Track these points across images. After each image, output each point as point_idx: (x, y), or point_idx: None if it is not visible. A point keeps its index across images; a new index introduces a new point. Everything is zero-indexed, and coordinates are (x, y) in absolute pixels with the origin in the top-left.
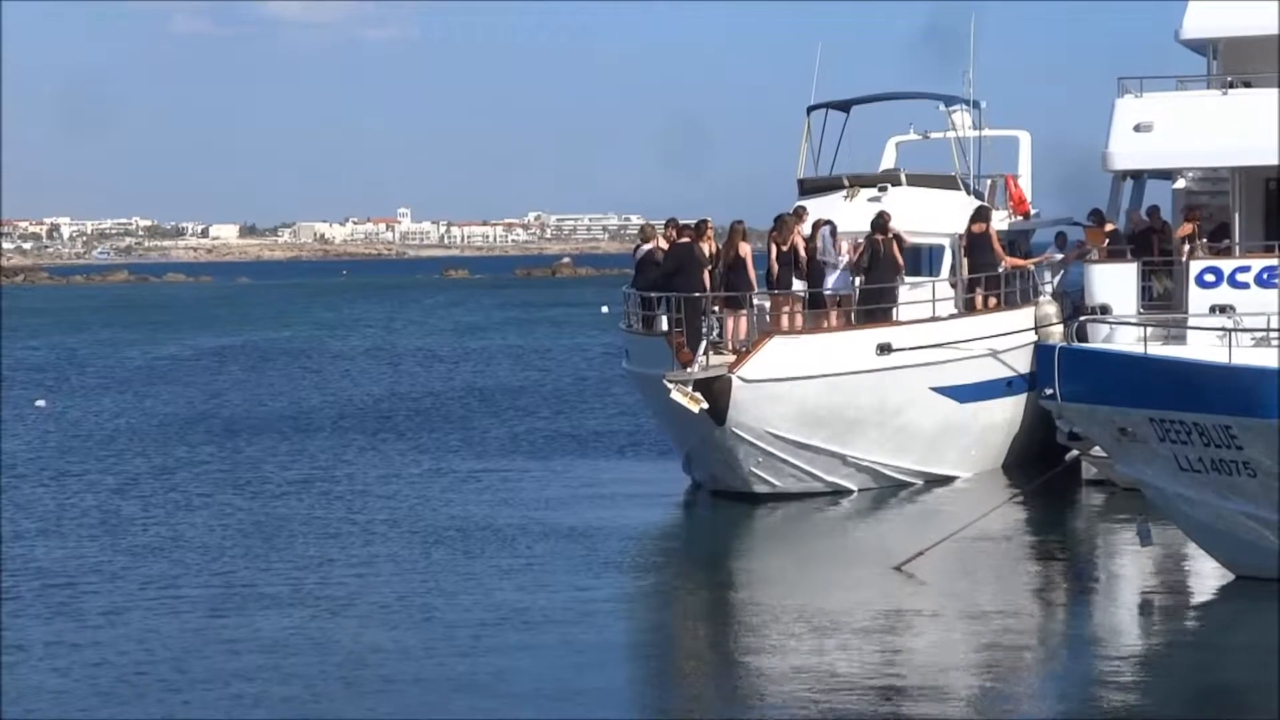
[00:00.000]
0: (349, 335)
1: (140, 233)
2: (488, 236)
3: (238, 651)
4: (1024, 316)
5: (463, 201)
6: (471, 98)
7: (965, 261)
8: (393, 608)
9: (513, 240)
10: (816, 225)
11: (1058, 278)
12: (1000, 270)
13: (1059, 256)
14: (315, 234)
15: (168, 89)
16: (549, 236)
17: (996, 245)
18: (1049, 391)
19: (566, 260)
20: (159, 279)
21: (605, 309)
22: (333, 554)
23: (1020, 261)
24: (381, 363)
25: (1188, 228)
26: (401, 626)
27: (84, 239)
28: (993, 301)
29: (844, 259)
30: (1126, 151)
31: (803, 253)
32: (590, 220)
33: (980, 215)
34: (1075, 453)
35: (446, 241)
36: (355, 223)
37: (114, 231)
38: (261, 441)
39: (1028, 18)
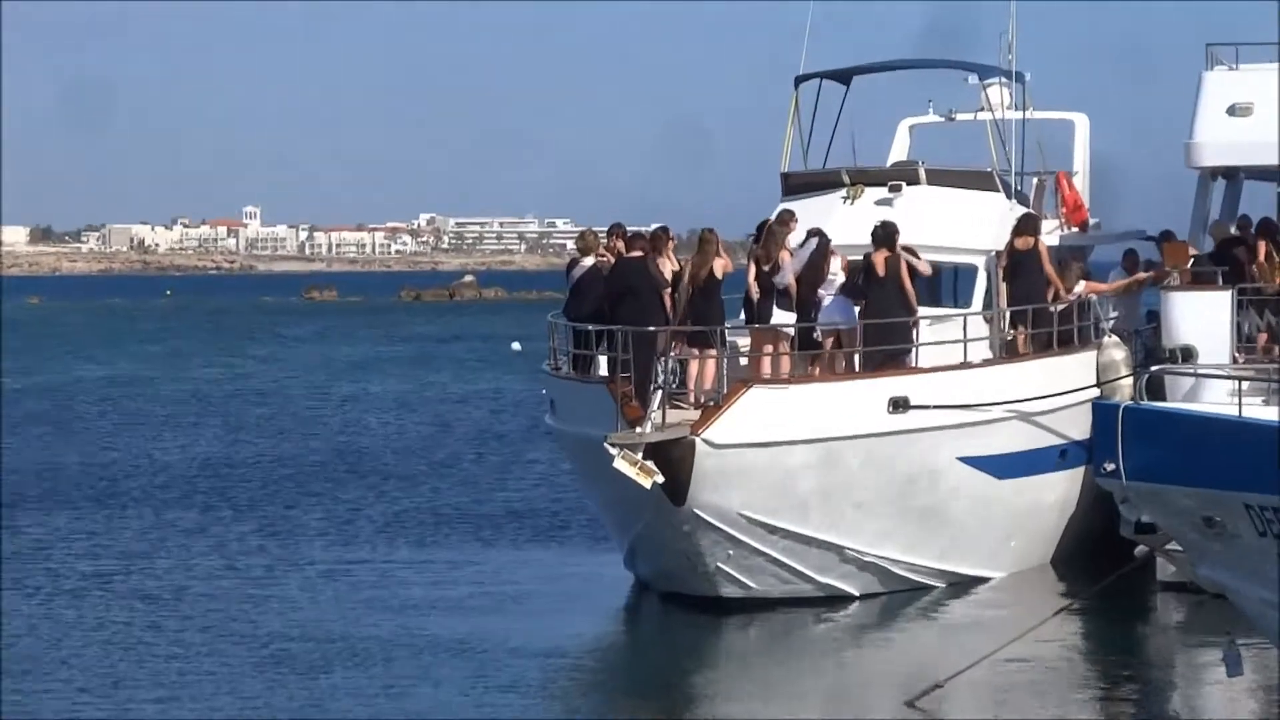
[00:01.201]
0: (169, 378)
1: None
2: (364, 246)
3: None
4: (1083, 364)
5: (331, 200)
6: (345, 68)
7: (1005, 288)
8: None
9: (397, 251)
10: (808, 236)
11: (1125, 311)
12: (1055, 301)
13: (1124, 281)
14: (132, 240)
15: None
16: (446, 247)
17: (1049, 266)
18: (1109, 467)
19: (469, 279)
20: None
21: (518, 346)
22: (134, 674)
23: (1099, 286)
24: (216, 415)
25: (1264, 246)
26: None
27: None
28: (1043, 343)
29: (838, 278)
30: (1217, 141)
31: (790, 275)
32: (502, 226)
33: (1027, 226)
34: (1144, 548)
35: (309, 252)
36: (186, 225)
37: None
38: (47, 517)
39: None
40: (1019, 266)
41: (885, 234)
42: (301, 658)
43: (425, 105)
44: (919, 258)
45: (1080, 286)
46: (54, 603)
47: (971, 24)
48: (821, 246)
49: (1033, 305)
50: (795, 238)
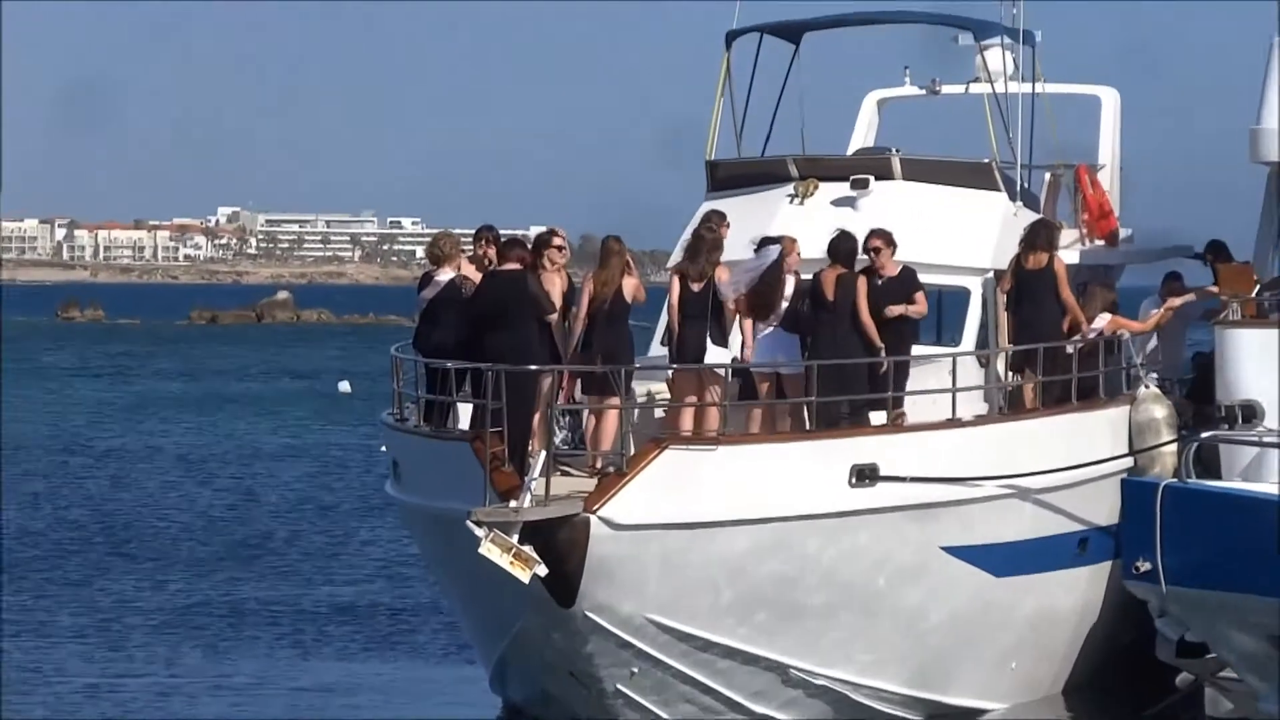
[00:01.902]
0: None
1: None
2: (143, 249)
3: None
4: (1111, 424)
5: (98, 189)
6: (119, 23)
7: (1009, 321)
8: None
9: (188, 257)
10: (761, 245)
11: (1166, 352)
12: (1074, 338)
13: (1158, 314)
14: None
15: None
16: (253, 252)
17: (1067, 292)
18: (1144, 566)
19: (284, 295)
20: None
21: (346, 386)
22: None
23: (1129, 324)
24: None
25: None
26: None
27: None
28: (1057, 394)
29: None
30: None
31: (732, 296)
32: (329, 226)
33: (1040, 239)
34: (1190, 676)
35: (69, 256)
36: None
37: None
38: None
39: None
40: (1028, 292)
41: (844, 248)
42: None
43: (227, 72)
44: (918, 291)
45: (1102, 320)
46: None
47: None
48: (780, 258)
49: (1046, 344)
50: (736, 250)
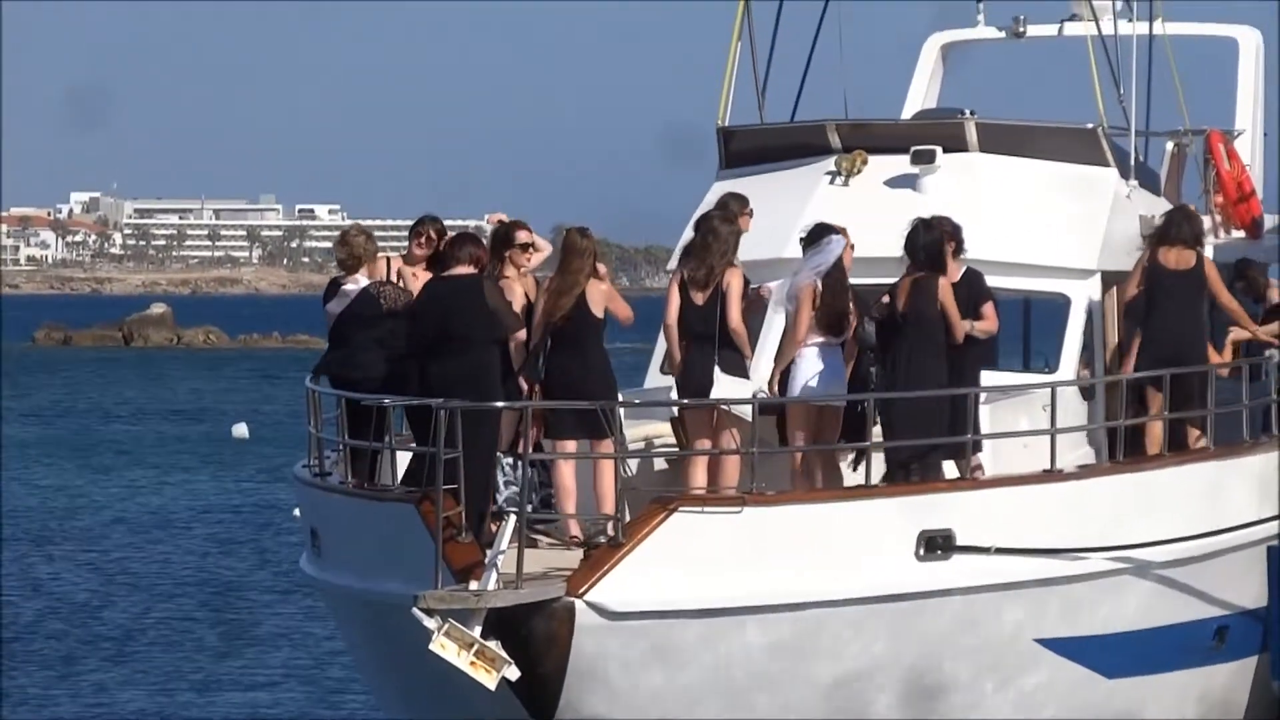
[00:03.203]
0: None
1: None
2: None
3: None
4: (1257, 476)
5: None
6: None
7: (1138, 336)
8: None
9: (31, 259)
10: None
11: None
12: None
13: None
14: None
15: None
16: (119, 251)
17: (1227, 297)
18: None
19: (160, 309)
20: None
21: (243, 430)
22: None
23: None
24: None
25: None
26: None
27: None
28: (1197, 436)
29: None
30: None
31: (735, 310)
32: (219, 217)
33: (1182, 229)
34: None
35: None
36: None
37: None
38: None
39: None
40: (1166, 299)
41: (924, 242)
42: None
43: (91, 26)
44: (989, 302)
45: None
46: None
47: None
48: (844, 252)
49: (1192, 370)
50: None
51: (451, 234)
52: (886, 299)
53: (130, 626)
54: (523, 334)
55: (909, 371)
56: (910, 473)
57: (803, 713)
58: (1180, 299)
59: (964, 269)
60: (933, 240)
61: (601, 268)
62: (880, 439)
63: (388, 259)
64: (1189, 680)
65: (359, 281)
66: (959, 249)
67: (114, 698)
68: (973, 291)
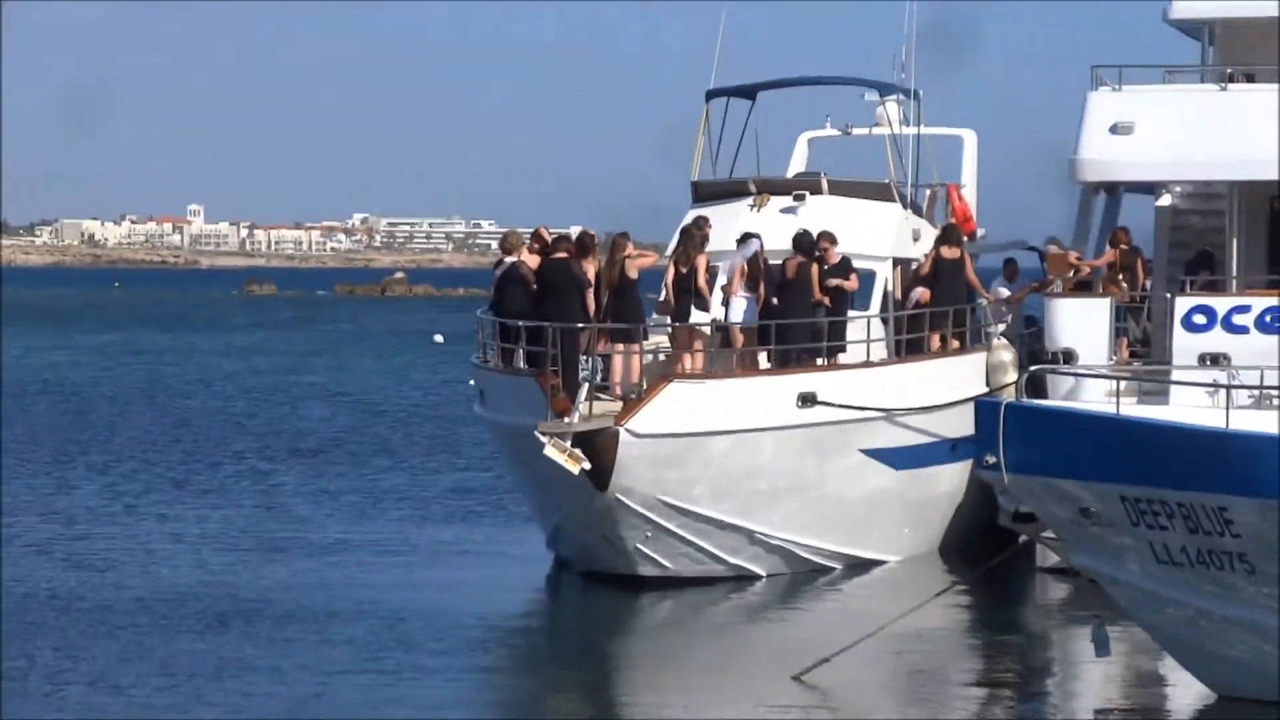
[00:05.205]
0: (112, 366)
1: None
2: (301, 243)
3: None
4: (975, 365)
5: (270, 199)
6: (283, 76)
7: (925, 293)
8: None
9: (332, 248)
10: (743, 239)
11: (1009, 317)
12: (979, 303)
13: (1006, 291)
14: (82, 234)
15: None
16: (379, 245)
17: (973, 275)
18: (989, 460)
19: (400, 275)
20: None
21: (440, 339)
22: (75, 636)
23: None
24: (153, 401)
25: (1110, 254)
26: None
27: None
28: (954, 344)
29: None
30: (1100, 158)
31: (703, 277)
32: (431, 226)
33: (952, 236)
34: (1024, 537)
35: (249, 248)
36: (134, 222)
37: None
38: (6, 492)
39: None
40: (945, 274)
41: (805, 242)
42: (239, 624)
43: (361, 109)
44: (852, 273)
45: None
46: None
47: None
48: (761, 247)
49: (955, 307)
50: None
51: (553, 236)
52: (779, 272)
53: (386, 437)
54: (590, 289)
55: (792, 311)
56: (795, 362)
57: (736, 488)
58: (952, 276)
59: (841, 255)
60: (810, 242)
61: (631, 245)
62: (777, 348)
63: (524, 249)
64: (938, 470)
65: (509, 260)
66: (833, 244)
67: (377, 476)
68: (845, 267)
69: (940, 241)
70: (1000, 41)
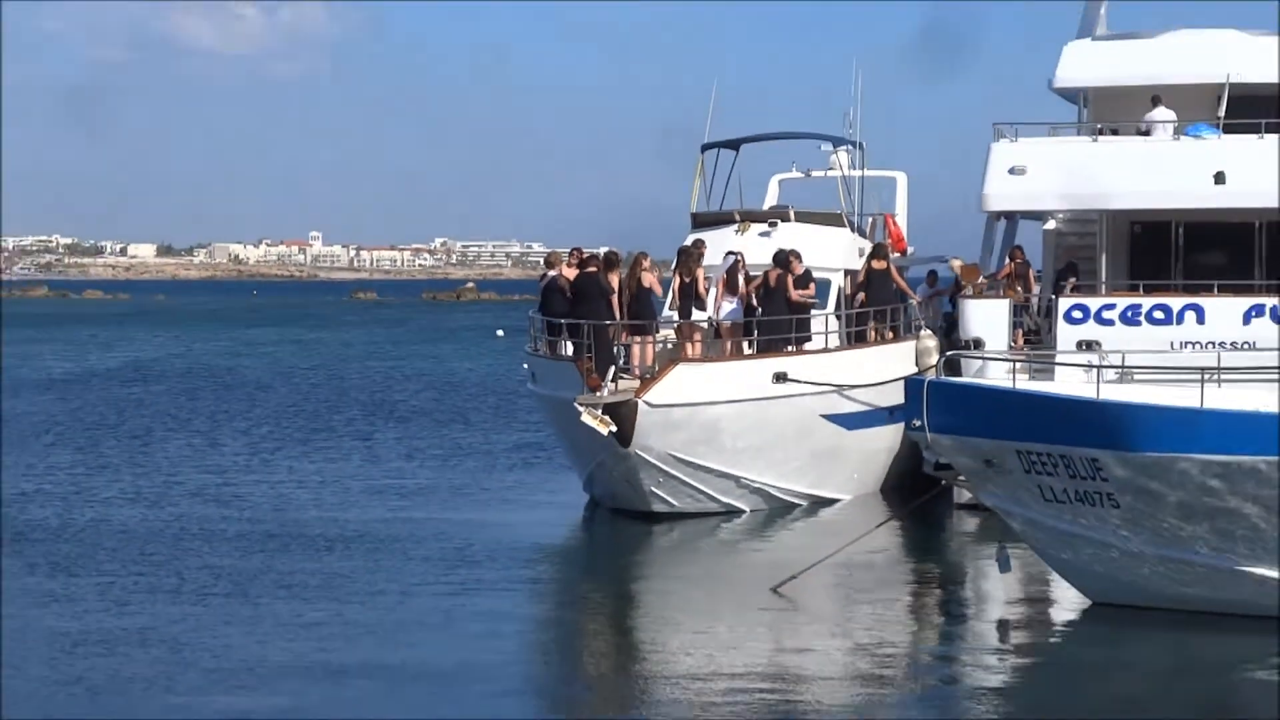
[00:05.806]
0: (252, 354)
1: (60, 250)
2: (396, 261)
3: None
4: (907, 351)
5: (373, 226)
6: (382, 128)
7: (862, 296)
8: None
9: (420, 265)
10: (728, 256)
11: (930, 313)
12: (910, 303)
13: (929, 293)
14: (229, 254)
15: (87, 110)
16: (454, 262)
17: (900, 280)
18: (916, 423)
19: (471, 285)
20: (78, 295)
21: (501, 333)
22: (216, 559)
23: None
24: (286, 379)
25: (1009, 266)
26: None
27: (4, 255)
28: (889, 335)
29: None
30: (1001, 193)
31: (701, 285)
32: (494, 247)
33: (880, 253)
34: (944, 481)
35: (356, 265)
36: (268, 244)
37: (34, 249)
38: (171, 449)
39: (909, 65)
40: (875, 282)
41: (779, 258)
42: (353, 547)
43: (443, 148)
44: (811, 283)
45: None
46: (181, 507)
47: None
48: (736, 263)
49: (889, 306)
50: (713, 259)
51: (587, 254)
52: (761, 280)
53: (451, 407)
54: (614, 295)
55: (770, 310)
56: (771, 349)
57: (727, 443)
58: (881, 283)
59: (805, 268)
60: (783, 258)
61: (648, 261)
62: (758, 339)
63: (563, 264)
64: (878, 432)
65: (551, 273)
66: (800, 261)
67: (450, 433)
68: (807, 279)
69: (871, 257)
70: (922, 99)
